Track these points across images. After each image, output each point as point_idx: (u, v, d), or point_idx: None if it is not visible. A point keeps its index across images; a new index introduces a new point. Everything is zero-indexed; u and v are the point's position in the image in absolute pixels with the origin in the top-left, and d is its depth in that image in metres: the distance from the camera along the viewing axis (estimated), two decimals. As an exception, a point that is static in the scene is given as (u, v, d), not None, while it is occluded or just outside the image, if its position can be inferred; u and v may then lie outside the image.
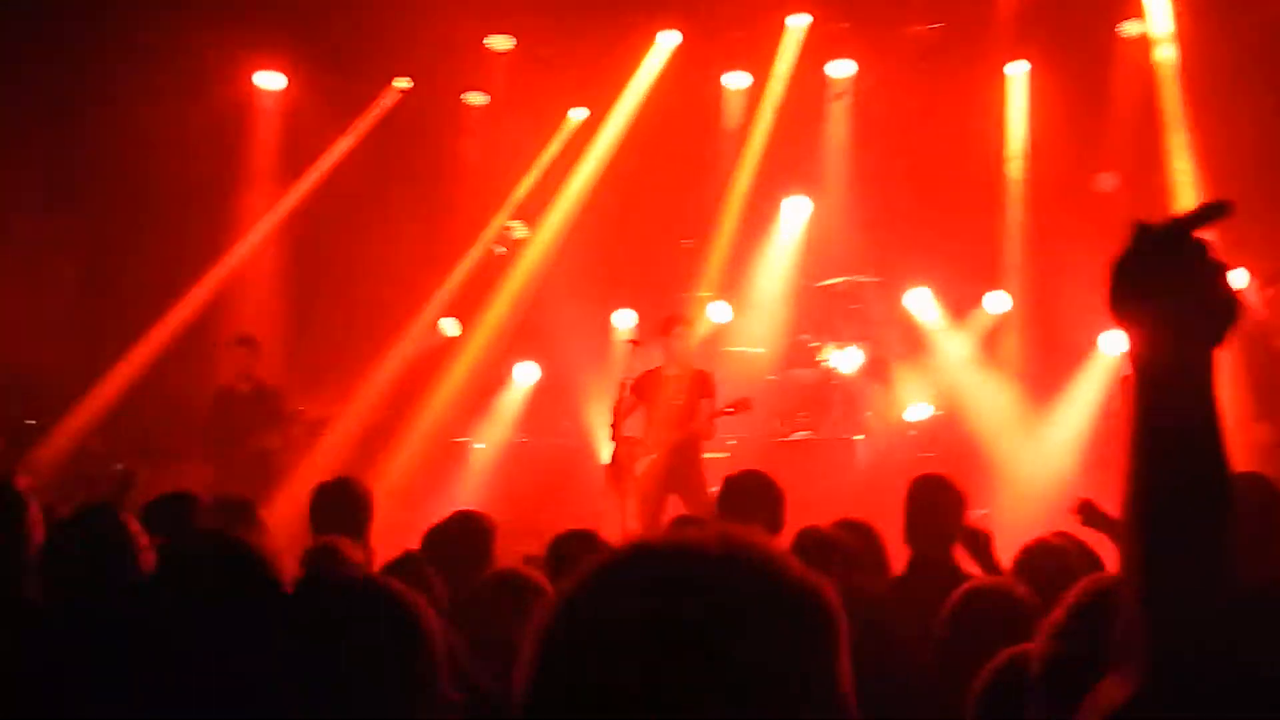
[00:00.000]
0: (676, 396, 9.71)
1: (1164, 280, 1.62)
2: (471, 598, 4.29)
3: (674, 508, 9.25)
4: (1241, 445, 8.34)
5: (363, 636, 2.36)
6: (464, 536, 5.30)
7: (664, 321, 10.05)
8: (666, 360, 9.89)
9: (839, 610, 1.46)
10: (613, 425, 9.65)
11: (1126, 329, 1.65)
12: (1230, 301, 1.62)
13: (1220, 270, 1.62)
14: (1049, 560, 4.75)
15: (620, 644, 1.34)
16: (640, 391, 9.85)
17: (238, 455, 9.85)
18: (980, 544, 5.32)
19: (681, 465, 9.52)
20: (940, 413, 11.45)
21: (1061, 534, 5.28)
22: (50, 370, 11.13)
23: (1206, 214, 1.63)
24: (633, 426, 9.80)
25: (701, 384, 9.86)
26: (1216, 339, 1.61)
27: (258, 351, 10.53)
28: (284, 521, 6.83)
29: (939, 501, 5.40)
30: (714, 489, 6.02)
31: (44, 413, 10.81)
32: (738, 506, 5.38)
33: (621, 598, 1.37)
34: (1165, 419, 1.59)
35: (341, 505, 5.69)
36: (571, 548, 4.97)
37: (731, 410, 9.71)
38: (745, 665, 1.34)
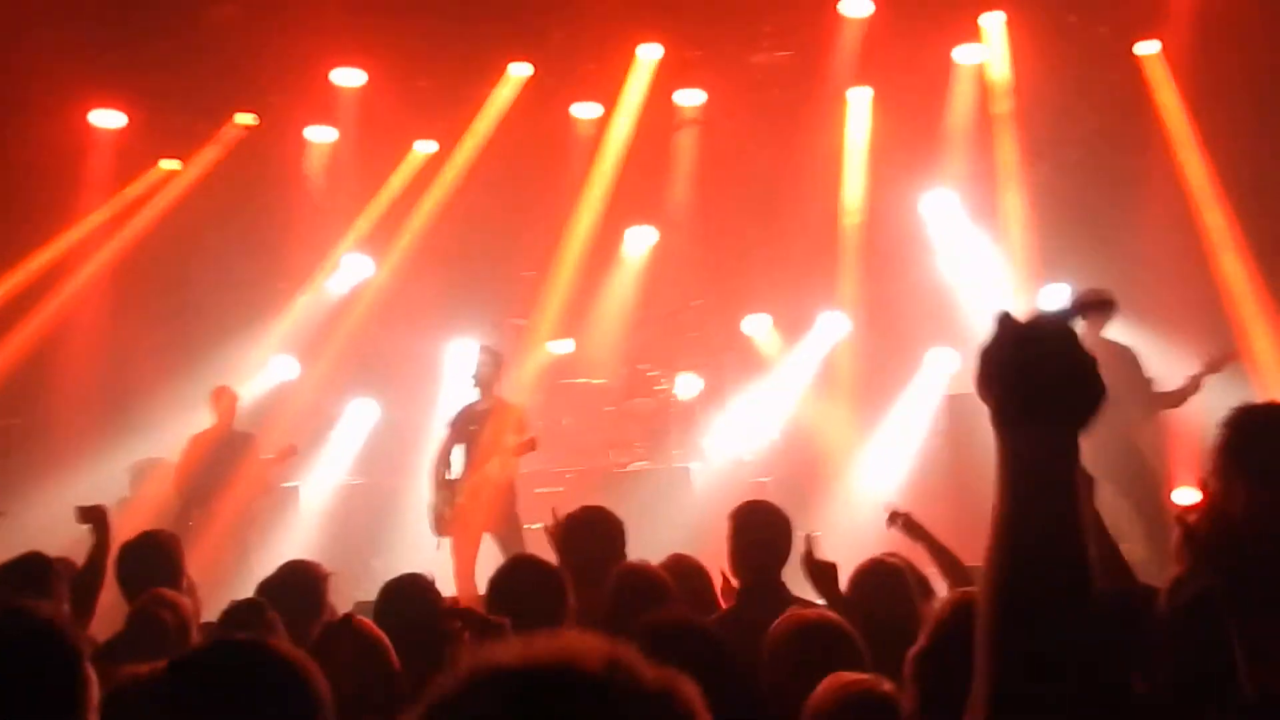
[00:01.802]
0: (481, 431, 9.57)
1: (1023, 368, 1.63)
2: (311, 648, 4.16)
3: (491, 545, 9.13)
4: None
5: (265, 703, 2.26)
6: (297, 586, 5.15)
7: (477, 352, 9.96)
8: (479, 393, 9.78)
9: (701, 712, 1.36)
10: (434, 465, 9.60)
11: (991, 414, 1.67)
12: (1094, 390, 1.62)
13: (1085, 360, 1.62)
14: (883, 579, 4.87)
15: None
16: (455, 427, 9.75)
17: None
18: (826, 575, 5.29)
19: (491, 504, 9.39)
20: (777, 438, 11.52)
21: (894, 554, 5.32)
22: None
23: (1082, 306, 1.66)
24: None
25: (506, 418, 9.71)
26: (1076, 427, 1.61)
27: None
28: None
29: (764, 528, 5.37)
30: (535, 525, 5.89)
31: None
32: (580, 542, 5.33)
33: None
34: (1022, 506, 1.61)
35: (148, 563, 5.47)
36: (401, 593, 4.88)
37: (516, 453, 9.57)
38: None
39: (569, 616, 4.70)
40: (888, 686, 3.07)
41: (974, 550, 4.69)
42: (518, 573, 5.12)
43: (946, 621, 2.59)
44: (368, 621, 4.35)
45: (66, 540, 5.93)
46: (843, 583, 5.10)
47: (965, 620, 2.50)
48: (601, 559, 5.14)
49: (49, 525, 8.26)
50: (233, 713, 2.24)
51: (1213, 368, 9.06)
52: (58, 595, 5.11)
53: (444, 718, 1.34)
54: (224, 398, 10.73)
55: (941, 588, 6.52)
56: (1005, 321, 1.66)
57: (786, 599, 5.07)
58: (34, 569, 5.20)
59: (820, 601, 5.00)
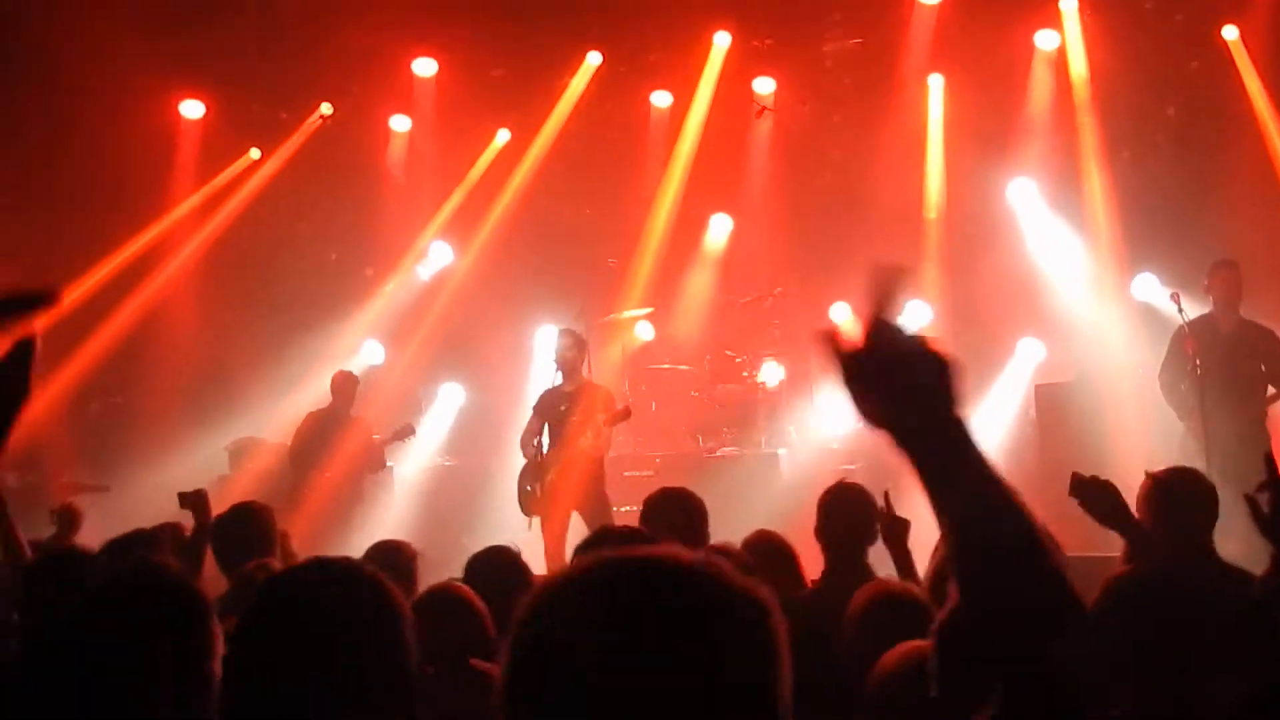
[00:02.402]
0: (570, 413, 9.69)
1: (874, 376, 1.69)
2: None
3: (579, 524, 9.25)
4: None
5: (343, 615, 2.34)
6: (388, 565, 5.28)
7: (557, 336, 10.07)
8: (563, 376, 9.90)
9: (780, 618, 1.50)
10: (522, 445, 9.75)
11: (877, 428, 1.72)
12: (935, 364, 1.69)
13: (914, 343, 1.70)
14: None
15: (587, 652, 1.38)
16: (540, 410, 9.87)
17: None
18: (897, 533, 5.35)
19: (580, 482, 9.51)
20: (862, 426, 11.52)
21: None
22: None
23: (884, 298, 1.73)
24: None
25: (595, 398, 9.81)
26: (941, 405, 1.68)
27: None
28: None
29: (851, 508, 5.44)
30: (631, 508, 5.98)
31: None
32: (660, 524, 5.37)
33: (587, 612, 1.41)
34: (939, 486, 1.70)
35: (244, 530, 5.65)
36: (488, 566, 4.99)
37: (609, 422, 9.69)
38: (709, 674, 1.38)
39: (707, 540, 4.83)
40: None
41: (1061, 539, 4.74)
42: (666, 496, 5.41)
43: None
44: (465, 588, 4.47)
45: (168, 517, 6.10)
46: (923, 561, 5.14)
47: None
48: (682, 539, 5.24)
49: (150, 502, 8.52)
50: (323, 627, 2.32)
51: None
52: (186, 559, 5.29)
53: (566, 594, 1.45)
54: (344, 381, 10.93)
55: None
56: (836, 344, 1.71)
57: (870, 579, 5.16)
58: (139, 545, 5.39)
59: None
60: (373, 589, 2.40)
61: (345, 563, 2.54)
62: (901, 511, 5.42)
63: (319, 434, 10.58)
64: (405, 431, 10.63)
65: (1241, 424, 8.71)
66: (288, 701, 2.26)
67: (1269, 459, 3.73)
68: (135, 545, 5.26)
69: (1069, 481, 4.66)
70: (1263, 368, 9.10)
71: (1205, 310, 9.28)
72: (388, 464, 11.14)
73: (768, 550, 5.29)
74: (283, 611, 2.37)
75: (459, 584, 4.61)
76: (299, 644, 2.30)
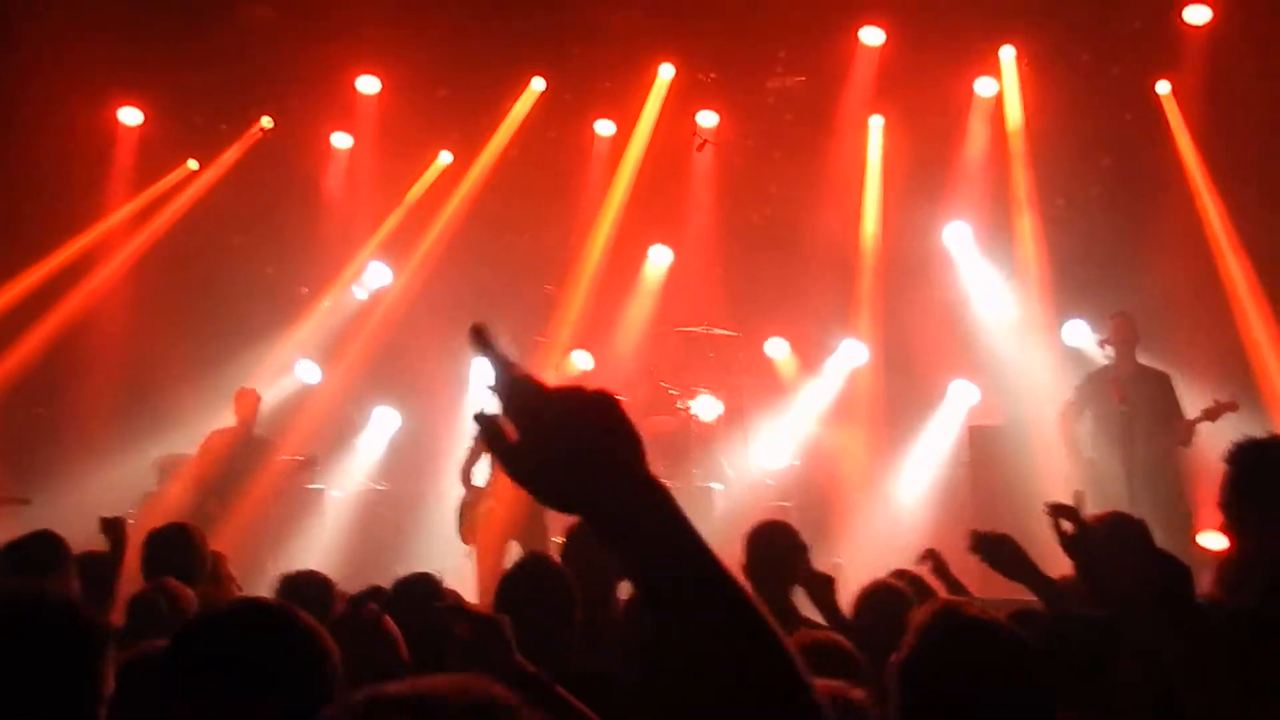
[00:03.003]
0: None
1: (537, 457, 1.50)
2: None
3: (516, 554, 9.20)
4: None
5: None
6: (301, 599, 5.24)
7: None
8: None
9: None
10: (461, 473, 9.71)
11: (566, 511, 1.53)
12: (600, 419, 1.52)
13: (566, 399, 1.50)
14: (886, 602, 4.85)
15: None
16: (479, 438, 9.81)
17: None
18: (823, 589, 5.37)
19: (518, 512, 9.47)
20: (796, 463, 11.63)
21: (900, 573, 5.39)
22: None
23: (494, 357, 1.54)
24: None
25: None
26: (628, 469, 1.52)
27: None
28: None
29: (778, 546, 5.46)
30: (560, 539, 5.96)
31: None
32: (582, 555, 5.33)
33: None
34: (644, 566, 1.55)
35: (174, 551, 5.59)
36: (409, 591, 4.96)
37: None
38: None
39: (574, 620, 4.81)
40: (857, 694, 3.15)
41: (995, 581, 4.81)
42: (526, 572, 5.29)
43: (925, 630, 2.66)
44: (378, 611, 4.42)
45: (91, 531, 6.01)
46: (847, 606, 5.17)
47: (945, 629, 2.62)
48: (606, 570, 5.17)
49: (74, 515, 8.35)
50: (241, 673, 2.21)
51: (1210, 415, 9.18)
52: (67, 574, 5.18)
53: None
54: (246, 399, 10.84)
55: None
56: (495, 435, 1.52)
57: (795, 619, 5.18)
58: (44, 547, 5.30)
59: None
60: (305, 639, 2.32)
61: (274, 607, 2.43)
62: (836, 550, 5.46)
63: (222, 455, 10.53)
64: (309, 463, 10.60)
65: (1154, 456, 9.01)
66: None
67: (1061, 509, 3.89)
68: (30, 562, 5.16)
69: (966, 540, 4.62)
70: (1164, 409, 9.51)
71: (1107, 361, 9.61)
72: (306, 487, 11.03)
73: None
74: (201, 659, 2.26)
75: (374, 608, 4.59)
76: (217, 696, 2.19)
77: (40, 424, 11.97)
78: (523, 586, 4.72)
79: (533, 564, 4.92)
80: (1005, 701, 2.54)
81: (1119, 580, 4.67)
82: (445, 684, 1.40)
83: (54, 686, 2.44)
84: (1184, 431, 9.25)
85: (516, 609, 4.43)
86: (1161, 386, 9.68)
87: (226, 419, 11.09)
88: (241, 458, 10.46)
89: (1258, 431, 4.83)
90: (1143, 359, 9.86)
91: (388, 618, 4.42)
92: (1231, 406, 9.16)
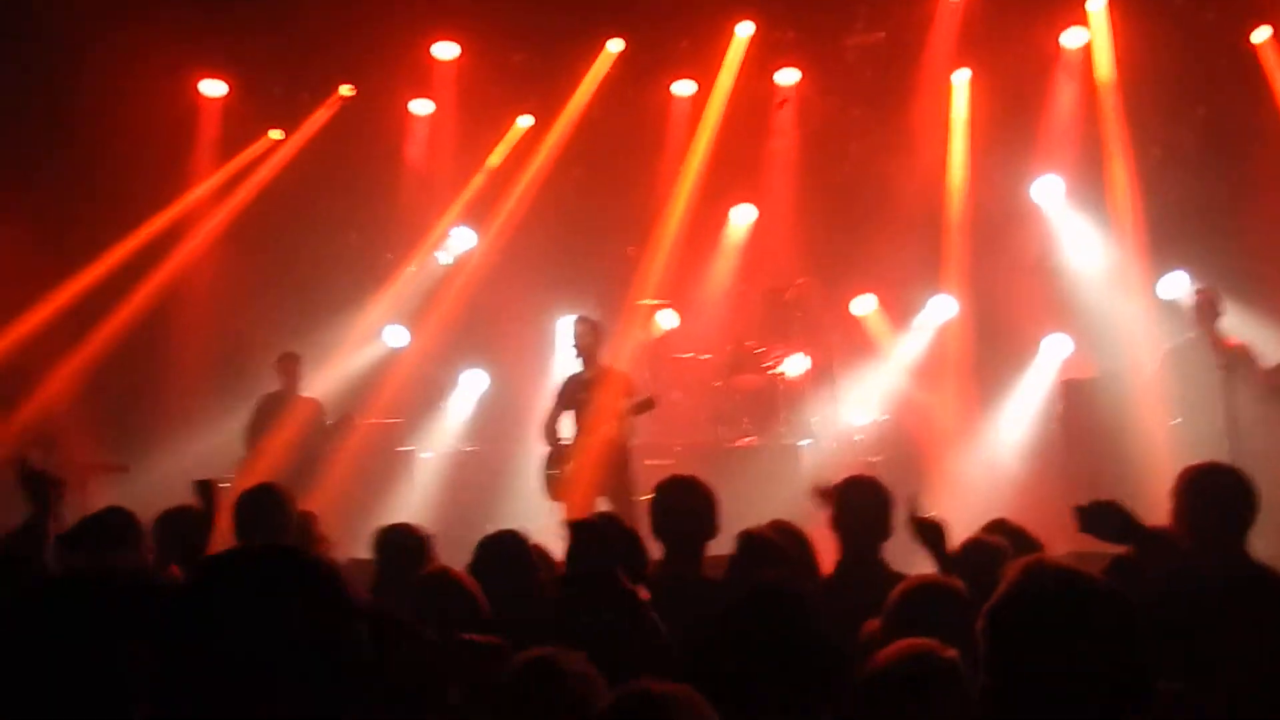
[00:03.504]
0: (591, 399, 9.67)
1: None
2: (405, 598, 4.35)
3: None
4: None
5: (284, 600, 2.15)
6: (398, 550, 5.30)
7: (574, 324, 10.06)
8: (583, 363, 9.87)
9: None
10: (543, 431, 9.75)
11: None
12: None
13: None
14: (983, 556, 4.76)
15: None
16: (562, 396, 9.87)
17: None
18: (933, 534, 5.31)
19: (606, 468, 9.49)
20: (886, 418, 11.54)
21: (997, 524, 5.32)
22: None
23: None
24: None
25: (617, 385, 9.78)
26: None
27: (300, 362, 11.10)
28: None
29: (867, 502, 5.40)
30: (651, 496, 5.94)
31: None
32: (670, 513, 5.34)
33: None
34: None
35: (263, 511, 5.64)
36: (497, 549, 4.99)
37: (633, 411, 9.66)
38: None
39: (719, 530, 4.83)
40: (951, 653, 3.08)
41: (1085, 537, 4.71)
42: (676, 485, 5.38)
43: (1016, 580, 2.59)
44: (458, 571, 4.53)
45: (186, 497, 6.09)
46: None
47: (1036, 579, 2.55)
48: (692, 527, 5.23)
49: (169, 482, 8.49)
50: (258, 612, 2.13)
51: None
52: (141, 548, 5.23)
53: None
54: (287, 362, 10.97)
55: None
56: None
57: (884, 572, 5.13)
58: (117, 522, 5.37)
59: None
60: (314, 576, 2.21)
61: (283, 549, 2.30)
62: (926, 506, 5.36)
63: (266, 415, 10.68)
64: (346, 421, 10.58)
65: (1273, 424, 8.76)
66: (213, 690, 2.08)
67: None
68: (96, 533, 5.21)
69: (1073, 516, 4.42)
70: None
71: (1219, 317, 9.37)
72: (405, 449, 11.14)
73: (783, 540, 5.24)
74: (208, 597, 2.18)
75: (450, 568, 4.63)
76: (226, 631, 2.11)
77: (136, 393, 12.16)
78: (588, 545, 4.74)
79: (599, 523, 4.99)
80: (1094, 657, 2.45)
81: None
82: None
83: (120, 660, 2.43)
84: (1275, 376, 9.10)
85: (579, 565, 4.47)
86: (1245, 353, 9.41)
87: (316, 384, 11.25)
88: (284, 418, 10.62)
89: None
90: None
91: (466, 574, 4.49)
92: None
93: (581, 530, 4.92)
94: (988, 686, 2.54)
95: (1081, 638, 2.44)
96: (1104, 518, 4.36)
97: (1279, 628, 3.79)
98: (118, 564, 2.76)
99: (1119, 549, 4.51)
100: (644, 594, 4.75)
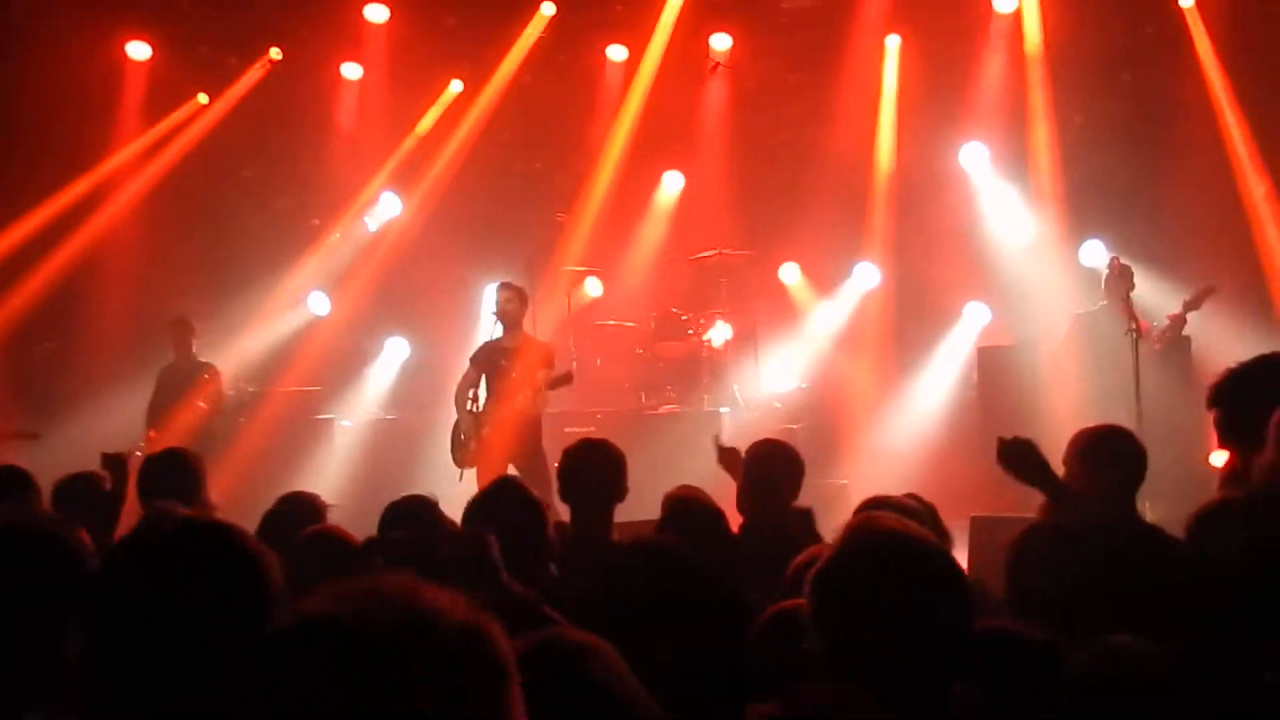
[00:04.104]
0: (510, 368, 9.59)
1: None
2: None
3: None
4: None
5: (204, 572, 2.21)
6: (297, 515, 5.26)
7: (497, 289, 9.95)
8: (504, 330, 9.80)
9: (507, 656, 1.53)
10: (456, 396, 9.68)
11: None
12: None
13: None
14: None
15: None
16: (478, 362, 9.79)
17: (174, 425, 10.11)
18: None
19: (516, 438, 9.40)
20: (806, 386, 11.57)
21: (914, 496, 5.34)
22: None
23: None
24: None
25: (536, 355, 9.69)
26: None
27: (190, 330, 10.80)
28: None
29: (774, 467, 5.41)
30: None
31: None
32: (577, 475, 5.30)
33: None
34: None
35: (171, 474, 5.58)
36: (403, 513, 4.96)
37: (551, 385, 9.61)
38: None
39: (547, 541, 4.80)
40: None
41: (999, 502, 4.72)
42: (585, 449, 5.33)
43: (843, 540, 2.60)
44: (341, 530, 4.55)
45: (95, 466, 6.01)
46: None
47: (856, 536, 2.55)
48: (600, 490, 5.19)
49: (81, 449, 8.39)
50: (179, 589, 2.17)
51: (1194, 304, 9.27)
52: (34, 503, 5.17)
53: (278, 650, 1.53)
54: (176, 330, 10.80)
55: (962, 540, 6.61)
56: None
57: (788, 536, 5.13)
58: (14, 481, 5.30)
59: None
60: (238, 550, 2.26)
61: (207, 523, 2.38)
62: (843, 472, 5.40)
63: (162, 389, 10.55)
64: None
65: (1173, 389, 8.87)
66: (138, 669, 2.13)
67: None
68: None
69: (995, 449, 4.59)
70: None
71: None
72: (325, 416, 11.04)
73: (690, 506, 5.28)
74: (134, 572, 2.22)
75: (336, 526, 4.65)
76: (150, 608, 2.16)
77: (50, 359, 12.03)
78: (496, 508, 4.72)
79: (503, 486, 4.90)
80: (908, 605, 2.46)
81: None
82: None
83: (38, 607, 2.49)
84: (1176, 323, 9.31)
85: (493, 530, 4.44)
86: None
87: (237, 351, 11.14)
88: (183, 386, 10.47)
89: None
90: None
91: (347, 534, 4.48)
92: (1209, 290, 9.29)
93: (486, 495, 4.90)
94: (819, 646, 2.54)
95: (907, 597, 2.43)
96: (1021, 455, 4.44)
97: (1164, 587, 3.83)
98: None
99: (1025, 515, 4.57)
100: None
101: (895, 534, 2.57)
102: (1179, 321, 9.33)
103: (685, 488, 5.37)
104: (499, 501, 4.73)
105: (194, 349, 10.76)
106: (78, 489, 5.43)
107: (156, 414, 10.43)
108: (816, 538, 5.24)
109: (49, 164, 12.03)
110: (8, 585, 2.52)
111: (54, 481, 5.36)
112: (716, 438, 5.36)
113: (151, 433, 10.19)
